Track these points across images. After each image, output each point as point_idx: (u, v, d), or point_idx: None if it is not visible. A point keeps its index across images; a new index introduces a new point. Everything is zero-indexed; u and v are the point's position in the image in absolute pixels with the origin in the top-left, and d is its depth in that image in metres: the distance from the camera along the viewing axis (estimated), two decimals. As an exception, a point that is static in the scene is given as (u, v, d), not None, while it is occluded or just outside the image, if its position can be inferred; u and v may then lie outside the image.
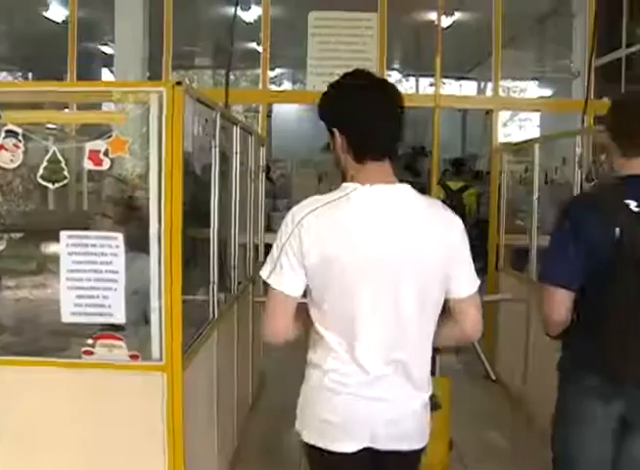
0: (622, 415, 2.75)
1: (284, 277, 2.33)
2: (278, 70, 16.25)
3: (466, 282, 2.45)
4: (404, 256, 2.33)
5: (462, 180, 10.25)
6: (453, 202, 9.85)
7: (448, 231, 2.41)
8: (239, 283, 4.95)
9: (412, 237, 2.34)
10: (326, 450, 2.41)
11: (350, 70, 2.49)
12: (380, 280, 2.32)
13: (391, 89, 2.46)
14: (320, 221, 2.31)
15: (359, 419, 2.39)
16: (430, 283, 2.38)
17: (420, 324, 2.41)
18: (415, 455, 2.54)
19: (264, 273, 2.38)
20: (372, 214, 2.33)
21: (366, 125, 2.38)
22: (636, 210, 2.64)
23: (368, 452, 2.42)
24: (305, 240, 2.29)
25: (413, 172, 15.38)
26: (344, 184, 2.38)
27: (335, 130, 2.42)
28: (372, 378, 2.36)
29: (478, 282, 2.48)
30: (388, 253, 2.32)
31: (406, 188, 2.39)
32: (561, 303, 2.76)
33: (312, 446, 2.44)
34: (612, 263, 2.61)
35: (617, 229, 2.62)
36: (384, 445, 2.41)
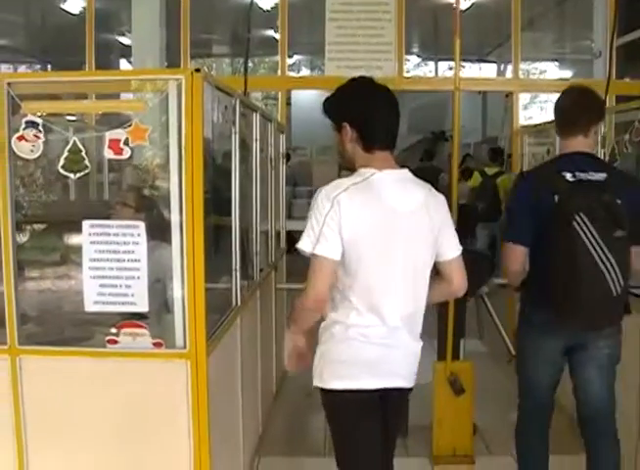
0: (568, 348, 3.50)
1: (329, 245, 2.71)
2: (296, 57, 16.22)
3: (453, 247, 2.97)
4: (413, 226, 2.83)
5: (496, 166, 10.94)
6: (488, 185, 10.49)
7: (439, 206, 2.94)
8: (261, 270, 4.95)
9: (417, 211, 2.84)
10: (344, 390, 2.83)
11: (356, 75, 2.97)
12: (398, 248, 2.81)
13: (391, 92, 2.91)
14: (353, 199, 2.73)
15: (375, 363, 2.85)
16: (428, 248, 2.90)
17: (423, 284, 2.93)
18: (409, 392, 3.06)
19: (307, 247, 2.73)
20: (389, 194, 2.79)
21: (377, 121, 2.85)
22: (571, 180, 3.31)
23: (379, 391, 2.87)
24: (343, 214, 2.70)
25: (427, 156, 15.58)
26: (362, 170, 2.82)
27: (346, 125, 2.85)
28: (390, 329, 2.85)
29: (460, 248, 2.99)
30: (401, 225, 2.81)
31: (407, 172, 2.91)
32: (517, 256, 3.48)
33: (330, 391, 2.85)
34: (553, 223, 3.27)
35: (556, 196, 3.27)
36: (394, 383, 2.91)
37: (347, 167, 2.96)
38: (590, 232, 3.19)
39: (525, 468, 3.80)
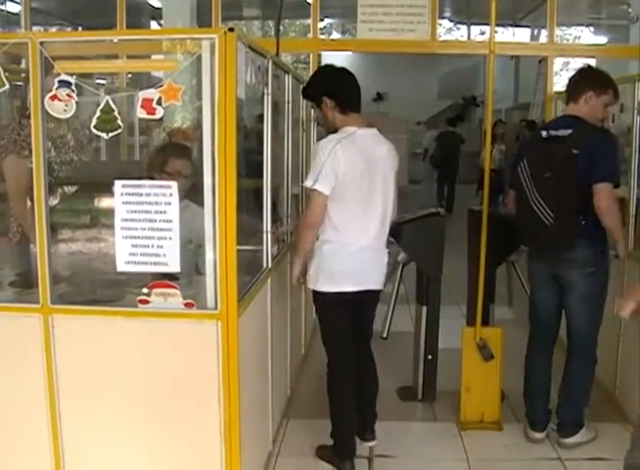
0: (553, 276, 4.24)
1: (324, 183, 3.69)
2: (327, 21, 16.08)
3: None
4: (385, 170, 3.88)
5: None
6: None
7: (395, 156, 3.99)
8: (291, 233, 4.95)
9: (385, 159, 3.89)
10: (331, 292, 3.85)
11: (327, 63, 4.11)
12: (377, 185, 3.85)
13: (349, 70, 3.95)
14: (344, 149, 3.70)
15: (357, 270, 3.88)
16: (393, 186, 3.95)
17: (390, 213, 3.97)
18: (379, 293, 4.08)
19: (309, 183, 3.71)
20: (366, 145, 3.81)
21: (350, 91, 3.88)
22: (544, 136, 4.15)
23: (356, 293, 3.88)
24: (337, 161, 3.67)
25: (450, 123, 15.88)
26: (345, 128, 3.80)
27: (325, 98, 3.82)
28: (367, 247, 3.87)
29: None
30: (377, 168, 3.83)
31: (375, 130, 3.93)
32: (509, 198, 4.47)
33: (321, 293, 3.88)
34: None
35: (530, 148, 4.25)
36: (372, 286, 3.95)
37: (331, 132, 3.87)
38: (526, 173, 4.11)
39: (529, 384, 4.47)
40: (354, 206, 3.79)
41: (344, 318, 3.94)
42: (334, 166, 3.66)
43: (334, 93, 3.82)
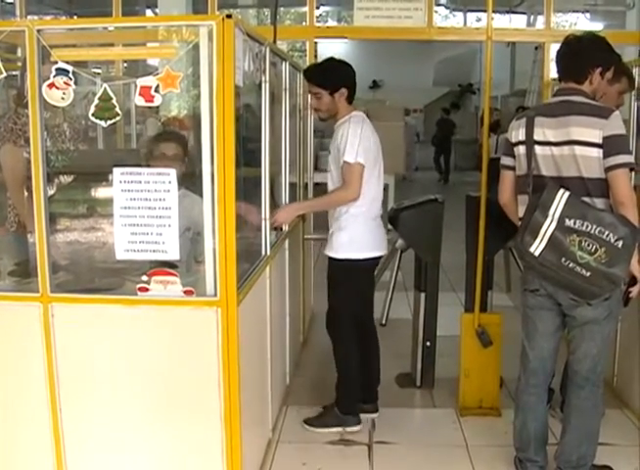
0: None
1: (363, 156, 4.06)
2: (322, 9, 16.00)
3: None
4: (381, 149, 4.33)
5: None
6: None
7: None
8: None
9: (379, 139, 4.32)
10: (367, 259, 4.23)
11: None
12: (380, 162, 4.31)
13: None
14: (368, 129, 4.21)
15: (380, 236, 4.33)
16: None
17: None
18: None
19: (351, 158, 4.03)
20: (372, 127, 4.29)
21: (355, 83, 4.31)
22: None
23: (379, 257, 4.37)
24: (367, 138, 4.15)
25: (445, 112, 19.39)
26: (354, 113, 4.26)
27: (343, 88, 4.19)
28: (378, 215, 4.32)
29: None
30: (380, 147, 4.32)
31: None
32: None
33: (354, 260, 4.19)
34: None
35: None
36: (386, 250, 4.44)
37: (326, 119, 4.32)
38: None
39: None
40: (373, 179, 4.20)
41: (370, 282, 4.42)
42: (365, 143, 4.10)
43: (351, 84, 4.26)
